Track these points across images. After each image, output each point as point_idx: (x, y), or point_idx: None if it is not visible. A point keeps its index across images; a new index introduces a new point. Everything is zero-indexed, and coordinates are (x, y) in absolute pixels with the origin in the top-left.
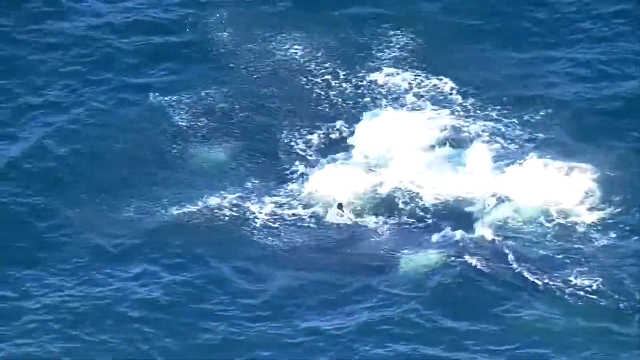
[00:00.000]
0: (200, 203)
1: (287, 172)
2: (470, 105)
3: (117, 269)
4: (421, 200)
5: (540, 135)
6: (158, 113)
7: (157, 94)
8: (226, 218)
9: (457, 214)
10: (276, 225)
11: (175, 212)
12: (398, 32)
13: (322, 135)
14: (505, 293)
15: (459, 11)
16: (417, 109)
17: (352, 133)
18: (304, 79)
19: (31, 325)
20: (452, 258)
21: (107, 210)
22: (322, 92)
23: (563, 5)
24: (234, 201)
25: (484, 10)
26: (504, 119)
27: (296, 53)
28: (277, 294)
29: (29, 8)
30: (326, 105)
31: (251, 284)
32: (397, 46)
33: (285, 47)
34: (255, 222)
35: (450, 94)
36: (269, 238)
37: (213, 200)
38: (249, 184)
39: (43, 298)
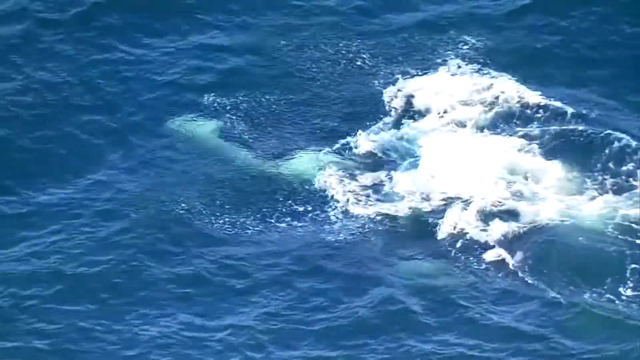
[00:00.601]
0: (275, 216)
1: (361, 179)
2: (534, 111)
3: (219, 288)
4: (473, 199)
5: (605, 143)
6: (226, 128)
7: (220, 104)
8: (308, 232)
9: (506, 216)
10: (355, 239)
11: (257, 228)
12: (468, 37)
13: (396, 137)
14: (553, 307)
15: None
16: (470, 104)
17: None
18: (374, 83)
19: (136, 353)
20: (500, 271)
21: (199, 231)
22: (393, 93)
23: None
24: (311, 210)
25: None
26: (571, 124)
27: (364, 60)
28: (361, 310)
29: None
30: (393, 107)
31: (343, 298)
32: (467, 50)
33: (351, 55)
34: (338, 235)
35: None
36: (354, 252)
37: (289, 212)
38: (325, 192)
39: (149, 327)
